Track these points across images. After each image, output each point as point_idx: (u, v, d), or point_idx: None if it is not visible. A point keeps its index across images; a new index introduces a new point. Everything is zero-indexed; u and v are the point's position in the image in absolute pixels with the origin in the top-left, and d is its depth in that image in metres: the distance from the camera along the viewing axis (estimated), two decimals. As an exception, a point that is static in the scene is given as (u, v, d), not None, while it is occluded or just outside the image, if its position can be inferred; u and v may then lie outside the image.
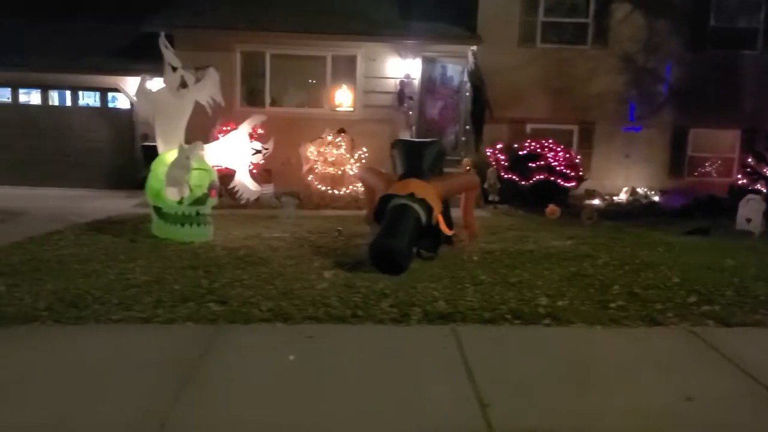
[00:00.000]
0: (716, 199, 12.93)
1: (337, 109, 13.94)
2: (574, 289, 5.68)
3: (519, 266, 6.64)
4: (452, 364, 4.13)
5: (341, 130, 12.81)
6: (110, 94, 14.41)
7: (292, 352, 4.26)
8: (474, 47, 13.35)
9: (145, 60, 13.54)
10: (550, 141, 12.77)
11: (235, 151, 8.68)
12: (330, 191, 12.34)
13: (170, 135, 8.32)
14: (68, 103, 14.57)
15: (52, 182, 13.94)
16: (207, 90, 8.50)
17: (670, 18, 13.65)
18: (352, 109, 13.94)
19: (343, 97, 13.98)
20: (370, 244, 6.35)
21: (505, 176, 12.46)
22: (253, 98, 13.95)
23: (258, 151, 8.83)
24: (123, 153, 14.32)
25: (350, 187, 12.51)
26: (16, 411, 3.38)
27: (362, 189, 11.79)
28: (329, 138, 12.64)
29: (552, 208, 11.06)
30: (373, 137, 13.26)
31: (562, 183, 12.41)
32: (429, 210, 6.51)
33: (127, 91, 14.04)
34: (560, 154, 12.54)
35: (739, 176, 13.60)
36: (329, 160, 12.48)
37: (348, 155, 12.61)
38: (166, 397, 3.57)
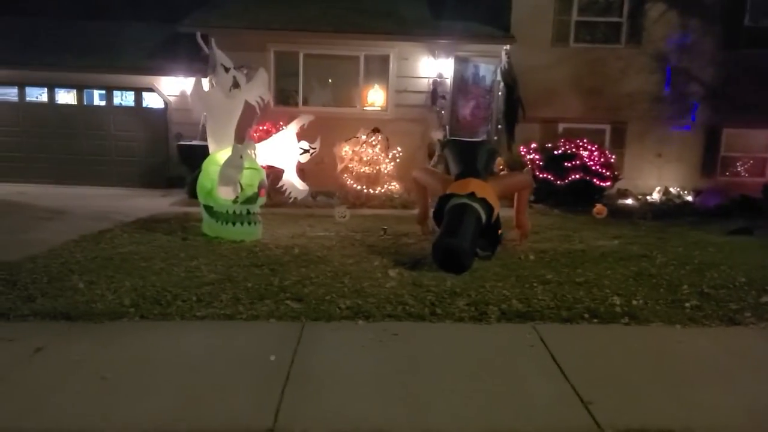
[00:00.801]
0: (751, 199, 12.90)
1: (370, 108, 13.99)
2: (644, 288, 5.72)
3: (578, 265, 6.67)
4: (543, 362, 4.19)
5: (376, 130, 12.86)
6: (144, 94, 14.49)
7: (382, 348, 4.33)
8: (507, 47, 13.36)
9: (179, 60, 13.74)
10: (585, 140, 12.77)
11: (284, 151, 8.76)
12: (365, 190, 12.39)
13: (222, 135, 8.40)
14: (103, 102, 14.68)
15: (88, 181, 14.07)
16: (256, 90, 8.57)
17: (704, 17, 13.61)
18: (384, 108, 13.97)
19: (376, 97, 14.03)
20: (433, 243, 6.40)
21: (540, 176, 12.47)
22: (286, 98, 14.02)
23: (306, 151, 8.89)
24: (157, 152, 14.42)
25: (385, 186, 12.56)
26: (142, 403, 3.48)
27: (397, 188, 11.90)
28: (364, 137, 12.69)
29: (599, 208, 11.09)
30: (405, 136, 13.34)
31: (597, 183, 12.41)
32: (489, 209, 6.56)
33: (161, 90, 14.16)
34: (595, 153, 12.55)
35: (774, 176, 13.58)
36: (364, 159, 12.53)
37: (383, 154, 12.66)
38: (273, 392, 3.66)
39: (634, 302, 5.26)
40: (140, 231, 8.65)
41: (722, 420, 3.44)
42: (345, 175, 12.63)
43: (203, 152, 11.92)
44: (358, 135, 12.77)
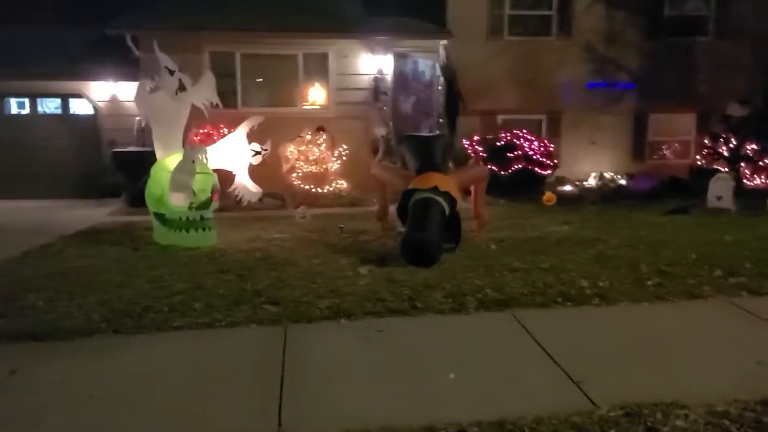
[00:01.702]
0: (679, 180, 13.63)
1: (311, 107, 13.88)
2: (606, 270, 5.96)
3: (539, 252, 6.87)
4: (528, 346, 4.30)
5: (320, 128, 12.79)
6: (72, 100, 13.85)
7: (371, 345, 4.33)
8: (444, 42, 13.56)
9: (108, 64, 13.20)
10: (525, 131, 13.13)
11: (235, 153, 8.58)
12: (313, 190, 12.31)
13: (169, 140, 8.15)
14: (27, 111, 13.93)
15: (16, 194, 13.28)
16: (203, 92, 8.36)
17: (627, 8, 14.25)
18: (326, 106, 13.90)
19: (317, 95, 13.94)
20: (402, 239, 6.44)
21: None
22: (224, 99, 13.64)
23: (258, 152, 8.73)
24: (89, 161, 13.78)
25: (333, 184, 12.52)
26: (139, 418, 3.37)
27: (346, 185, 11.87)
28: (309, 137, 12.59)
29: (549, 195, 11.42)
30: (348, 134, 13.31)
31: (539, 171, 12.80)
32: (452, 202, 6.65)
33: (90, 96, 13.58)
34: (536, 143, 12.92)
35: (698, 157, 14.37)
36: (311, 158, 12.44)
37: (329, 153, 12.60)
38: (271, 396, 3.61)
39: (601, 284, 5.47)
40: (85, 243, 8.28)
41: (706, 388, 3.62)
42: (291, 176, 12.50)
43: (140, 159, 11.58)
44: (302, 134, 12.66)
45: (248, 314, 4.90)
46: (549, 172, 13.01)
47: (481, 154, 13.00)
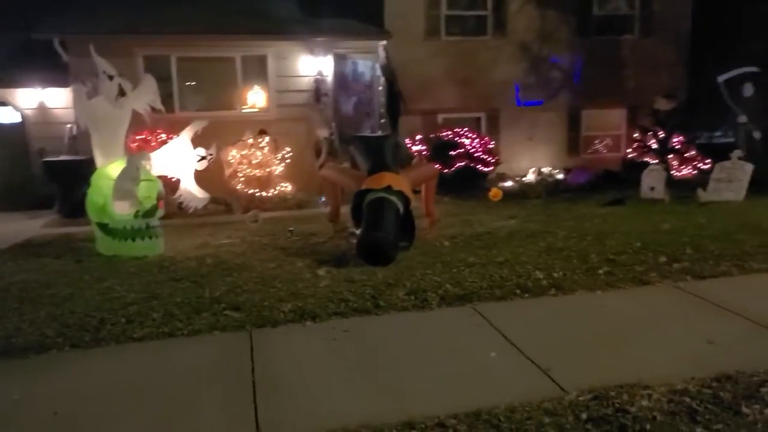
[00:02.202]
0: (613, 172, 14.24)
1: (251, 110, 13.70)
2: (558, 261, 6.16)
3: (492, 247, 7.03)
4: (492, 338, 4.41)
5: (263, 132, 12.63)
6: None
7: (339, 345, 4.34)
8: (384, 42, 13.65)
9: (35, 69, 12.65)
10: (466, 129, 13.39)
11: (180, 159, 8.38)
12: (258, 194, 12.15)
13: (110, 147, 7.90)
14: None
15: (-62, 209, 12.55)
16: (144, 97, 8.13)
17: (558, 8, 14.73)
18: (266, 109, 13.73)
19: (257, 98, 13.76)
20: (358, 239, 6.46)
21: (428, 165, 12.89)
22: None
23: (203, 158, 8.57)
24: (17, 171, 13.17)
25: (277, 187, 12.40)
26: (115, 430, 3.25)
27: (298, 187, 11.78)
28: (250, 140, 12.42)
29: (495, 191, 11.67)
30: (290, 136, 13.20)
31: (481, 168, 13.07)
32: (406, 201, 6.72)
33: (16, 103, 12.98)
34: (476, 141, 13.20)
35: (629, 150, 15.02)
36: (254, 162, 12.27)
37: (272, 156, 12.47)
38: (245, 402, 3.57)
39: (555, 275, 5.65)
40: (23, 257, 7.91)
41: (665, 369, 3.80)
42: (234, 180, 12.30)
43: (75, 168, 11.17)
44: (244, 138, 12.48)
45: (210, 321, 4.81)
46: (491, 168, 13.31)
47: (424, 152, 13.17)
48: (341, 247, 7.56)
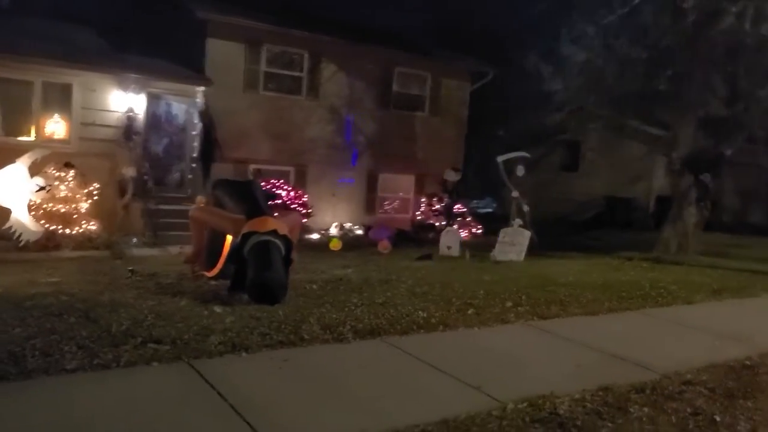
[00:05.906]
0: (405, 231, 15.88)
1: (50, 139, 12.50)
2: (428, 304, 6.95)
3: (358, 291, 7.62)
4: (417, 365, 5.04)
5: (68, 164, 11.61)
6: None
7: (287, 373, 4.58)
8: (203, 88, 13.69)
9: None
10: (282, 180, 13.90)
11: (13, 188, 7.55)
12: (61, 230, 11.07)
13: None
14: None
15: None
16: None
17: (364, 80, 16.27)
18: (67, 140, 12.68)
19: (56, 128, 12.65)
20: (252, 278, 6.54)
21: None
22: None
23: (42, 188, 7.80)
24: None
25: (83, 225, 11.44)
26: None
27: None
28: (54, 173, 11.34)
29: (335, 242, 12.30)
30: (93, 172, 12.32)
31: (297, 219, 13.61)
32: (289, 246, 7.03)
33: None
34: (292, 192, 13.78)
35: (417, 213, 16.91)
36: (59, 196, 11.20)
37: (80, 191, 11.54)
38: (238, 426, 3.65)
39: (438, 314, 6.46)
40: None
41: (555, 385, 4.62)
42: (32, 214, 11.04)
43: None
44: (46, 170, 11.33)
45: (140, 353, 4.63)
46: (306, 220, 13.92)
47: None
48: (203, 287, 7.52)
